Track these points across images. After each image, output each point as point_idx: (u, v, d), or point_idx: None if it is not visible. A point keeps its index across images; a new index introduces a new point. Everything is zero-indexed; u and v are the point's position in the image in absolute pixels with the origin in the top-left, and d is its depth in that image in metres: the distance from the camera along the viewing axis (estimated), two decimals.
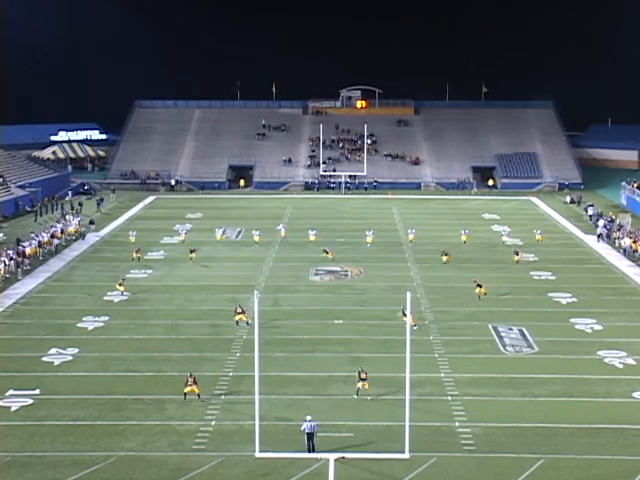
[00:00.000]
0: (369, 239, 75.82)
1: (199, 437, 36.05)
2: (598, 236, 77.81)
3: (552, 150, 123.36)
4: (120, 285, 59.15)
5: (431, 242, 77.32)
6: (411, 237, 77.02)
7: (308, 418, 34.84)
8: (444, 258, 68.32)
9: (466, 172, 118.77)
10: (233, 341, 48.82)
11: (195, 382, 40.04)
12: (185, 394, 39.86)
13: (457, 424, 37.46)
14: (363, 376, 40.45)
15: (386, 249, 74.67)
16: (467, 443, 35.52)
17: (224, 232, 78.55)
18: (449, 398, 40.53)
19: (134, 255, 69.64)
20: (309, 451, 33.76)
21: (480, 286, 58.00)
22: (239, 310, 51.44)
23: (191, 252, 69.93)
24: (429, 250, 73.73)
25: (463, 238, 76.57)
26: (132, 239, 75.91)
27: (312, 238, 76.40)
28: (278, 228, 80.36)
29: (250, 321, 49.98)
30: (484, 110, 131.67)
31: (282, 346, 47.59)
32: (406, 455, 28.48)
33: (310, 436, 34.22)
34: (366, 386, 40.17)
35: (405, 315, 50.13)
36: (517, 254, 69.25)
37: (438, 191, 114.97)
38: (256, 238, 76.54)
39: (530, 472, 32.76)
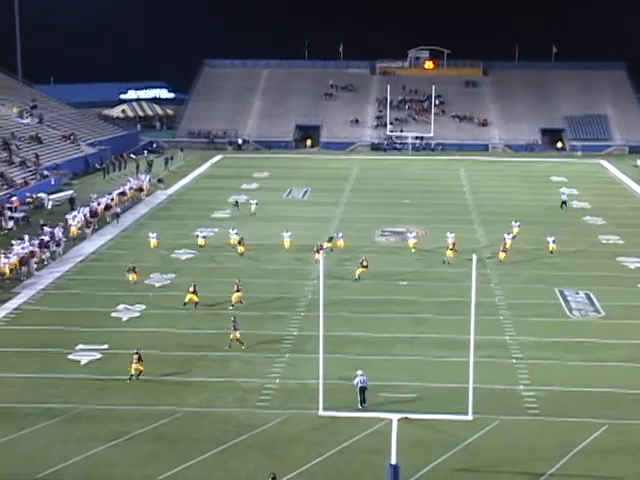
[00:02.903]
0: (411, 243, 61.04)
1: (263, 394, 36.46)
2: None
3: (623, 113, 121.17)
4: (130, 272, 52.16)
5: (498, 204, 76.83)
6: (451, 242, 59.11)
7: (359, 372, 35.33)
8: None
9: (535, 134, 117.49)
10: (298, 300, 49.13)
11: (140, 360, 37.65)
12: (131, 375, 37.73)
13: (521, 387, 37.40)
14: (237, 327, 41.61)
15: (452, 211, 74.34)
16: (531, 407, 35.45)
17: (237, 233, 61.45)
18: (513, 361, 40.44)
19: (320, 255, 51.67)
20: (361, 404, 34.58)
21: (365, 267, 53.78)
22: (191, 289, 47.95)
23: (239, 243, 59.92)
24: (496, 212, 73.24)
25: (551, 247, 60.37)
26: (153, 242, 61.06)
27: (340, 243, 60.99)
28: (251, 202, 73.89)
29: (197, 303, 47.67)
30: (554, 71, 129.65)
31: (346, 306, 47.77)
32: (469, 417, 28.48)
33: (362, 390, 34.93)
34: (237, 336, 41.45)
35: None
36: (505, 251, 58.14)
37: (506, 153, 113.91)
38: (287, 243, 61.40)
39: (594, 437, 32.61)
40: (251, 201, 74.17)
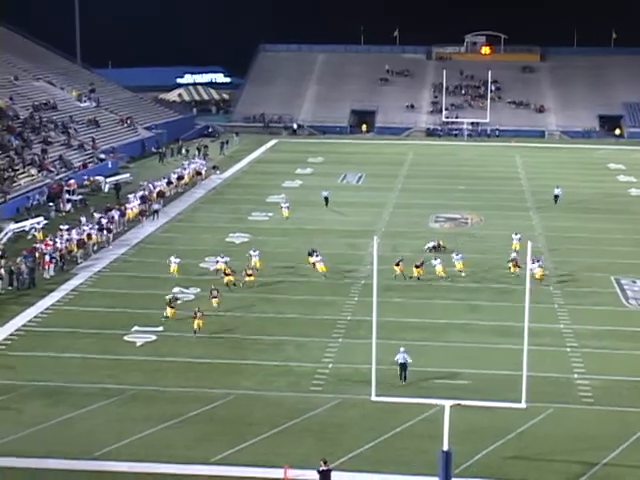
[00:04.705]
0: (439, 269, 50.28)
1: (316, 379, 36.56)
2: None
3: None
4: (169, 306, 43.82)
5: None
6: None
7: (402, 349, 35.73)
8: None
9: (592, 121, 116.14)
10: (352, 285, 49.16)
11: (202, 316, 41.50)
12: (195, 331, 41.17)
13: (576, 376, 37.10)
14: (215, 294, 44.54)
15: (507, 197, 73.82)
16: (585, 395, 35.17)
17: (258, 255, 51.86)
18: (568, 349, 40.11)
19: None
20: (400, 379, 35.58)
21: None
22: (228, 271, 48.56)
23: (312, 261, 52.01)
24: (552, 200, 72.50)
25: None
26: (173, 268, 51.18)
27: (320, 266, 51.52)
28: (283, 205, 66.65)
29: (242, 284, 48.38)
30: (613, 57, 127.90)
31: (400, 292, 47.71)
32: (523, 405, 28.29)
33: (403, 366, 35.61)
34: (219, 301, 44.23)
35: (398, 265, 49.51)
36: (516, 264, 50.31)
37: (562, 140, 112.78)
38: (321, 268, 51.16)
39: None
40: (283, 204, 66.79)
